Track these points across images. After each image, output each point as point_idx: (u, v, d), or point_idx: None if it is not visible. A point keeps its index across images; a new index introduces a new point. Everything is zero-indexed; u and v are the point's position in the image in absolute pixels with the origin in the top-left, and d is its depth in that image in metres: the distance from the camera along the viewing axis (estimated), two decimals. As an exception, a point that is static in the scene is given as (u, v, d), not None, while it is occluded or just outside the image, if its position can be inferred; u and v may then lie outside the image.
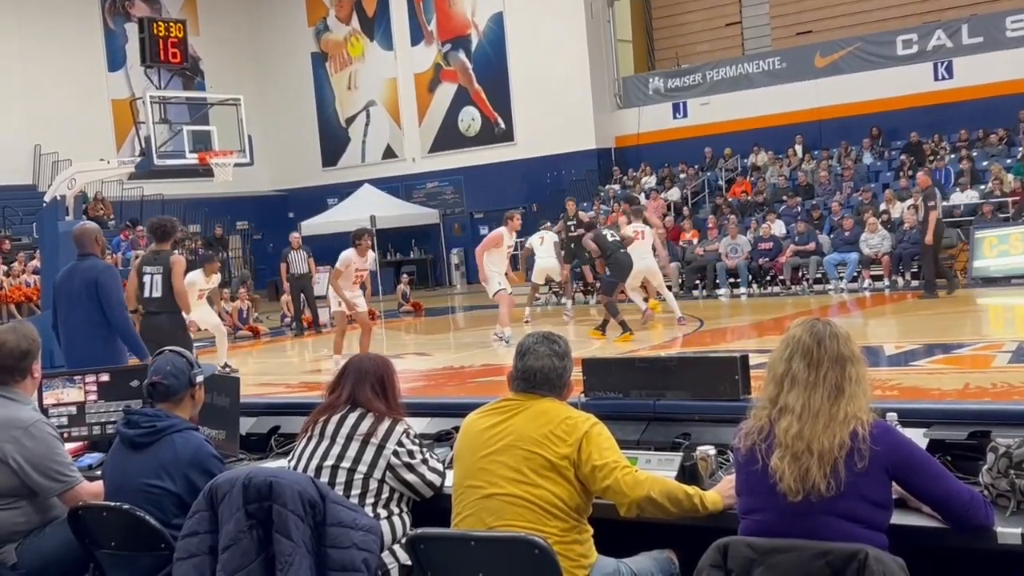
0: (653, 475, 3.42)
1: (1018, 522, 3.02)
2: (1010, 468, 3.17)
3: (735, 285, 20.30)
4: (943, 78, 23.27)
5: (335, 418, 3.86)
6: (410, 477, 3.79)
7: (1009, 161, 20.84)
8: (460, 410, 4.33)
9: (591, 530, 3.43)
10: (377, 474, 3.75)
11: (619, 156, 27.77)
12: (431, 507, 3.83)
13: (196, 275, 13.41)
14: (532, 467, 3.32)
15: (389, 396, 3.92)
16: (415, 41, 30.36)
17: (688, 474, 3.61)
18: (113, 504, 3.68)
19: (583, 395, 4.44)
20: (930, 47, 23.58)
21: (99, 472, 4.29)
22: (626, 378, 4.45)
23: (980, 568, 3.30)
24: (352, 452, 3.77)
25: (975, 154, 21.52)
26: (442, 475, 3.87)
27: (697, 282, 20.91)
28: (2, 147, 26.17)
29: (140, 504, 3.61)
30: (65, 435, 4.71)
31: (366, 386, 3.90)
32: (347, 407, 3.88)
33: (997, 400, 7.36)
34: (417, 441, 3.91)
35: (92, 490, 4.06)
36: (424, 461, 3.85)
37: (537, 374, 3.49)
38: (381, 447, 3.77)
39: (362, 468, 3.75)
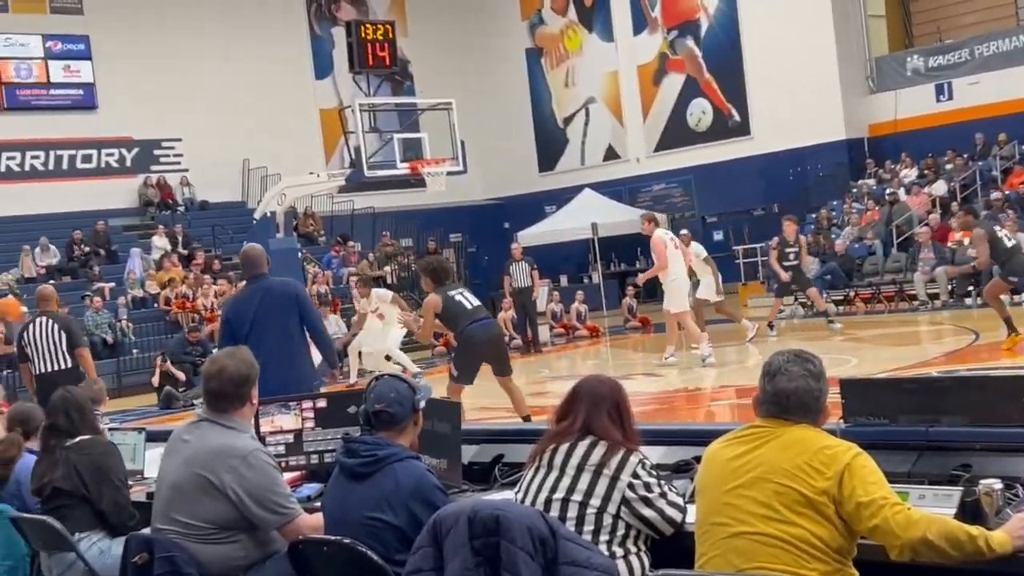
0: (929, 513, 3.27)
1: None
2: None
3: (1015, 291, 19.23)
4: None
5: (564, 447, 3.87)
6: (647, 512, 3.76)
7: None
8: (700, 438, 4.29)
9: (856, 575, 3.32)
10: (611, 508, 3.74)
11: (873, 147, 26.89)
12: (671, 546, 3.79)
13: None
14: (785, 503, 3.25)
15: (626, 423, 3.91)
16: (638, 30, 30.40)
17: (969, 512, 3.44)
18: (334, 538, 3.82)
19: (842, 421, 4.31)
20: None
21: (318, 503, 4.48)
22: (893, 401, 4.28)
23: None
24: (584, 484, 3.77)
25: None
26: (683, 510, 3.82)
27: (970, 288, 19.95)
28: (211, 162, 27.82)
29: (361, 538, 3.74)
30: (282, 464, 4.91)
31: (602, 413, 3.89)
32: (579, 435, 3.88)
33: None
34: (654, 473, 3.88)
35: (312, 523, 4.22)
36: (663, 495, 3.81)
37: (790, 397, 3.40)
38: (615, 479, 3.76)
39: (595, 502, 3.75)
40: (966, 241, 20.73)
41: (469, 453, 5.09)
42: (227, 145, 27.80)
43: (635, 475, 3.78)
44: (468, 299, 9.57)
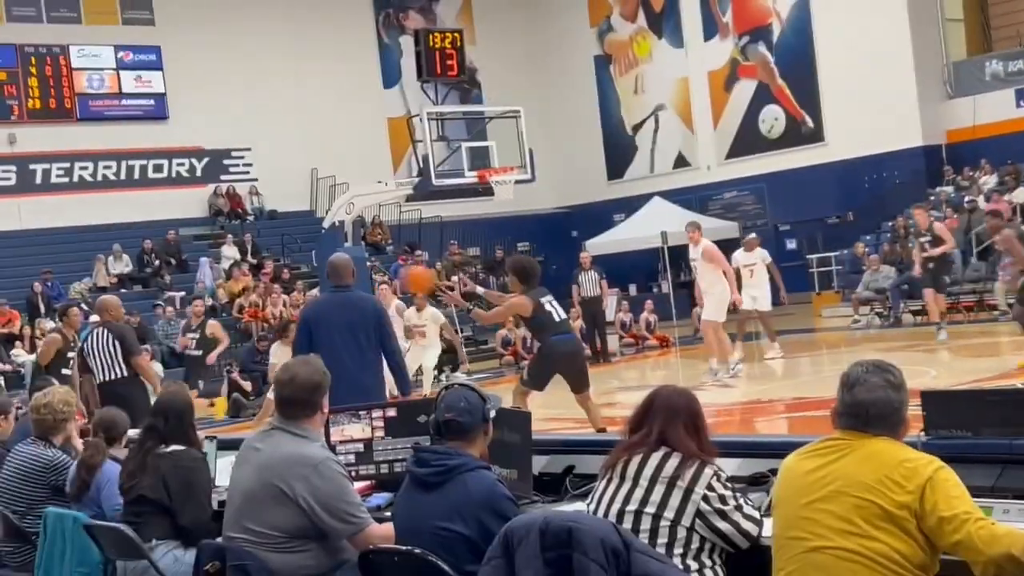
0: (1015, 529, 3.20)
1: None
2: None
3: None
4: None
5: (637, 458, 3.85)
6: (722, 525, 3.73)
7: None
8: (775, 450, 4.26)
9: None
10: (686, 521, 3.72)
11: (951, 153, 26.48)
12: (747, 560, 3.76)
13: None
14: (864, 517, 3.20)
15: (702, 435, 3.88)
16: (708, 36, 30.26)
17: (1057, 528, 3.38)
18: (404, 548, 3.84)
19: (923, 434, 4.25)
20: None
21: (388, 513, 4.51)
22: (976, 413, 4.20)
23: None
24: (657, 496, 3.75)
25: None
26: (759, 523, 3.79)
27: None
28: (279, 172, 28.16)
29: (432, 548, 3.75)
30: (353, 473, 4.96)
31: (678, 424, 3.86)
32: (654, 446, 3.86)
33: None
34: (729, 485, 3.85)
35: (383, 533, 4.24)
36: (738, 508, 3.78)
37: (869, 409, 3.36)
38: (689, 491, 3.74)
39: (668, 514, 3.73)
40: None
41: (539, 464, 5.08)
42: (296, 154, 28.11)
43: (710, 487, 3.75)
44: (556, 309, 9.59)
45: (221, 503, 4.95)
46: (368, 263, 21.65)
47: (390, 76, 31.31)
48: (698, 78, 30.51)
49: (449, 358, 17.81)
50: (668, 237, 25.35)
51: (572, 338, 10.04)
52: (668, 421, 3.88)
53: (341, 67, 29.80)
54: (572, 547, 3.24)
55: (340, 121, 29.03)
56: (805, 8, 28.01)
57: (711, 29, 30.19)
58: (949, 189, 25.20)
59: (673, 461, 3.80)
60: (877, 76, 26.00)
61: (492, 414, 4.12)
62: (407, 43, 28.32)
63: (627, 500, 3.79)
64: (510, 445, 4.84)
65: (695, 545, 3.73)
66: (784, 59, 28.61)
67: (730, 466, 4.56)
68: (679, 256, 28.26)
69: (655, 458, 3.83)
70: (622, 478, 3.85)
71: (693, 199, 29.96)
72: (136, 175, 27.66)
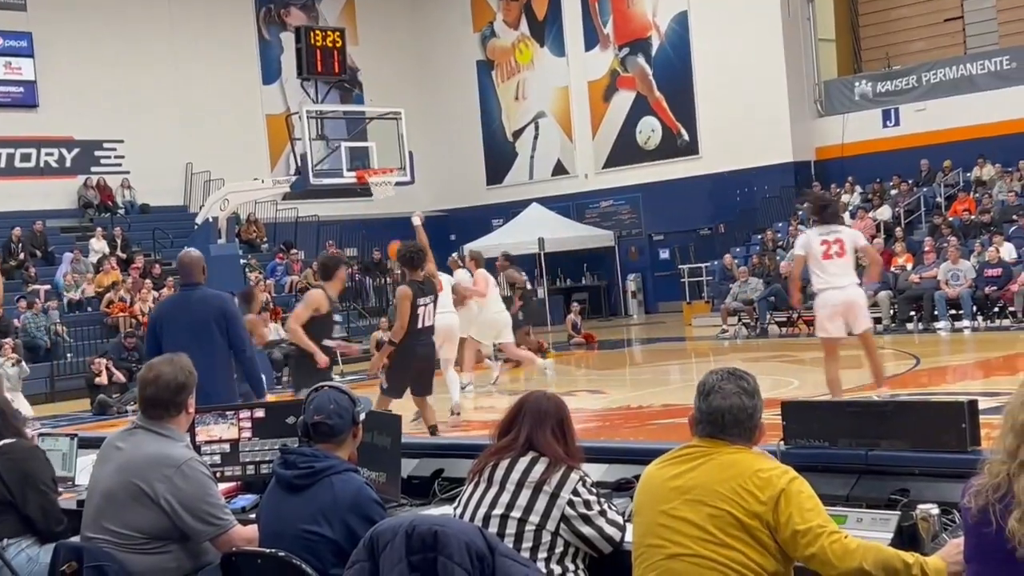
0: (866, 541, 3.28)
1: None
2: None
3: (956, 317, 19.60)
4: None
5: (505, 462, 3.87)
6: (586, 530, 3.77)
7: None
8: (641, 456, 4.31)
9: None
10: (550, 525, 3.74)
11: (820, 170, 27.22)
12: (610, 565, 3.80)
13: None
14: (719, 526, 3.26)
15: (569, 440, 3.92)
16: (589, 46, 30.57)
17: (907, 536, 3.49)
18: (268, 551, 3.80)
19: (782, 443, 4.35)
20: None
21: (253, 515, 4.44)
22: (833, 424, 4.33)
23: None
24: (524, 501, 3.77)
25: None
26: (622, 529, 3.83)
27: (912, 314, 20.27)
28: (153, 165, 27.57)
29: (296, 551, 3.71)
30: (218, 475, 4.86)
31: (546, 429, 3.89)
32: (521, 451, 3.88)
33: None
34: (594, 491, 3.89)
35: (246, 535, 4.19)
36: (602, 513, 3.82)
37: (725, 415, 3.41)
38: (555, 496, 3.76)
39: (534, 519, 3.74)
40: (909, 266, 21.10)
41: (409, 467, 5.07)
42: (170, 148, 27.58)
43: (575, 492, 3.78)
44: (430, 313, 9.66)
45: (80, 502, 4.82)
46: (242, 261, 21.35)
47: (270, 72, 30.91)
48: (578, 87, 30.81)
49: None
50: (545, 243, 25.59)
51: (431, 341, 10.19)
52: (536, 426, 3.90)
53: (220, 61, 29.33)
54: (437, 550, 3.25)
55: (217, 116, 28.56)
56: (684, 23, 28.49)
57: (592, 39, 30.50)
58: (816, 205, 25.81)
59: (540, 466, 3.82)
60: (751, 92, 26.60)
61: (362, 417, 4.10)
62: (288, 39, 28.00)
63: (494, 504, 3.80)
64: (379, 448, 4.82)
65: (559, 549, 3.75)
66: (662, 72, 29.05)
67: (596, 472, 4.61)
68: (556, 263, 28.59)
69: (522, 462, 3.84)
70: (489, 482, 3.86)
71: (570, 207, 30.24)
72: (3, 164, 26.79)
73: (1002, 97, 24.06)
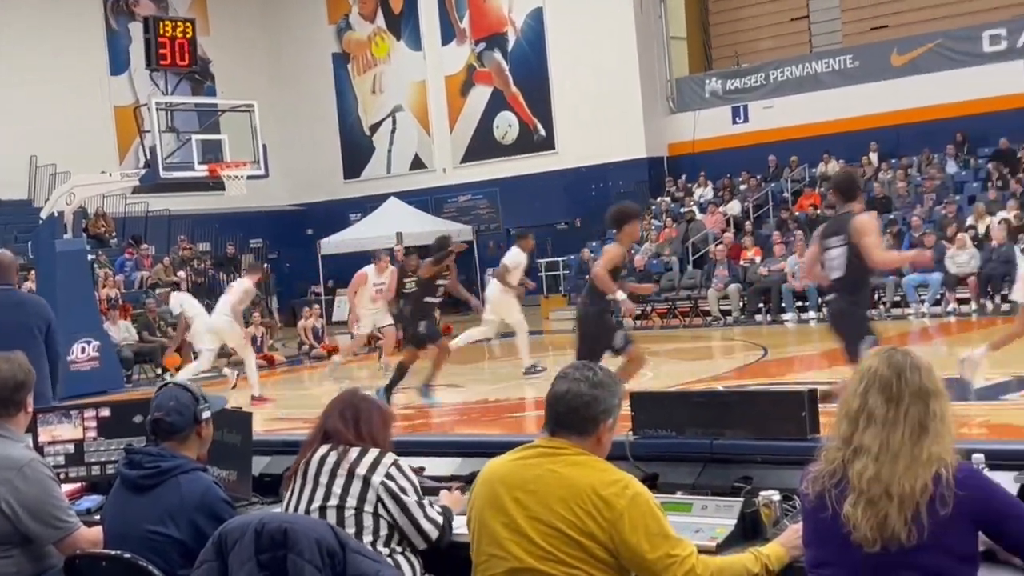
0: (715, 562, 3.26)
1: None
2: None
3: (803, 309, 20.18)
4: (1037, 77, 23.09)
5: (316, 457, 3.91)
6: (399, 516, 3.81)
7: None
8: (494, 449, 4.33)
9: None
10: (368, 508, 3.79)
11: (672, 165, 27.75)
12: (450, 555, 3.82)
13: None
14: (558, 545, 3.20)
15: (361, 424, 3.96)
16: (446, 40, 30.57)
17: (749, 522, 3.59)
18: (113, 553, 3.70)
19: (631, 433, 4.42)
20: (1021, 43, 23.41)
21: (98, 517, 4.33)
22: (681, 414, 4.42)
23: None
24: (338, 488, 3.82)
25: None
26: (440, 528, 3.87)
27: (760, 305, 20.81)
28: (-5, 159, 26.58)
29: (143, 553, 3.63)
30: (61, 476, 4.74)
31: (335, 415, 3.98)
32: (323, 442, 3.94)
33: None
34: (412, 479, 3.92)
35: (91, 537, 4.09)
36: (419, 504, 3.86)
37: (561, 401, 3.34)
38: (367, 479, 3.81)
39: (351, 502, 3.79)
40: (757, 259, 21.66)
41: (261, 465, 5.01)
42: (13, 140, 26.59)
43: (389, 476, 3.83)
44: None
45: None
46: (90, 256, 20.75)
47: (118, 63, 30.09)
48: (435, 81, 30.79)
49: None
50: (403, 238, 25.45)
51: None
52: (330, 415, 3.99)
53: (65, 51, 28.40)
54: (287, 548, 3.21)
55: (63, 107, 27.66)
56: (539, 19, 28.71)
57: (449, 33, 30.51)
58: (669, 200, 26.37)
59: (351, 453, 3.87)
60: (605, 89, 26.97)
61: (205, 415, 4.03)
62: (136, 30, 27.29)
63: (311, 499, 3.84)
64: (230, 446, 4.76)
65: (384, 532, 3.79)
66: (519, 68, 29.23)
67: (450, 465, 4.64)
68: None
69: (333, 455, 3.89)
70: (304, 479, 3.90)
71: (428, 201, 30.20)
72: None
73: (846, 95, 24.88)
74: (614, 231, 9.80)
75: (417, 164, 31.41)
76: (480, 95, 30.08)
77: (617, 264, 9.49)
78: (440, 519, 3.89)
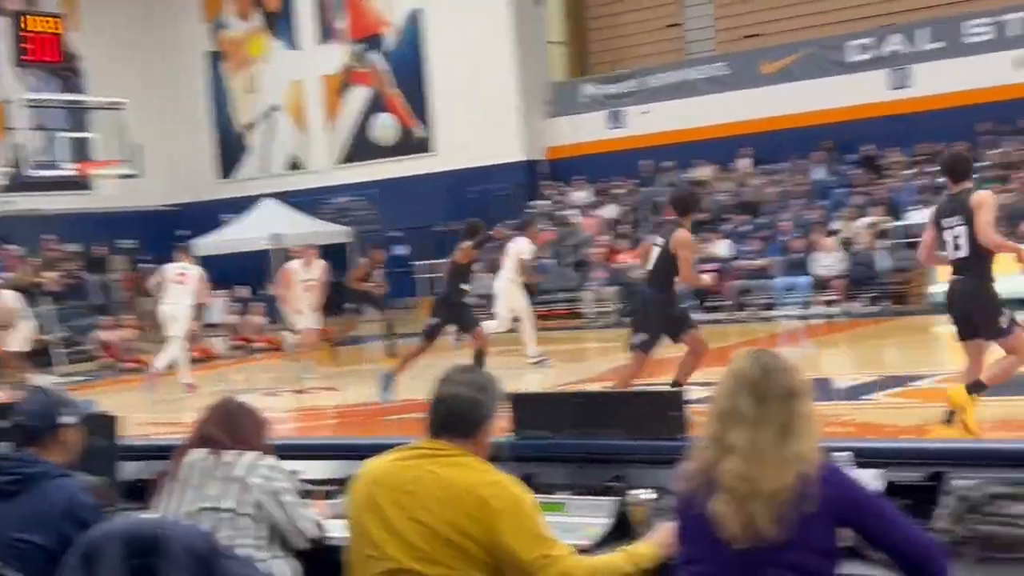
0: (589, 563, 3.31)
1: (978, 571, 3.09)
2: (969, 513, 3.24)
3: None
4: (900, 86, 23.81)
5: (190, 461, 3.90)
6: (278, 515, 3.80)
7: (976, 177, 21.34)
8: (370, 452, 4.30)
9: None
10: (245, 510, 3.77)
11: (551, 169, 27.90)
12: (328, 560, 3.78)
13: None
14: (435, 546, 3.22)
15: (236, 427, 3.96)
16: (323, 40, 30.28)
17: (621, 521, 3.63)
18: (-25, 561, 3.59)
19: (511, 434, 4.44)
20: (885, 52, 24.14)
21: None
22: (557, 415, 4.46)
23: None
24: (214, 491, 3.80)
25: (935, 169, 21.98)
26: (320, 528, 3.88)
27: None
28: None
29: (7, 560, 3.55)
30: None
31: (211, 420, 3.99)
32: (200, 446, 3.93)
33: (955, 438, 7.53)
34: (290, 481, 3.93)
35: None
36: (298, 503, 3.87)
37: (443, 406, 3.39)
38: (245, 480, 3.81)
39: (228, 504, 3.77)
40: (632, 262, 21.92)
41: (133, 470, 4.91)
42: None
43: (267, 477, 3.84)
44: None
45: None
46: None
47: (-18, 57, 29.10)
48: (312, 81, 30.46)
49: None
50: (280, 239, 25.12)
51: None
52: (207, 420, 4.00)
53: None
54: (157, 554, 3.15)
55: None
56: (417, 21, 28.62)
57: (326, 33, 30.22)
58: (547, 203, 26.54)
59: (227, 456, 3.86)
60: (484, 92, 27.01)
61: (67, 419, 3.93)
62: (2, 24, 26.42)
63: (185, 503, 3.82)
64: (97, 451, 4.65)
65: (263, 534, 3.78)
66: (397, 69, 29.09)
67: (326, 468, 4.60)
68: (291, 259, 28.06)
69: (209, 458, 3.88)
70: (177, 483, 3.88)
71: (306, 202, 29.79)
72: None
73: (719, 101, 25.32)
74: (679, 216, 9.43)
75: (294, 164, 31.04)
76: (358, 96, 29.86)
77: (695, 250, 9.50)
78: (318, 518, 3.91)
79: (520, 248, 15.48)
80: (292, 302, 15.71)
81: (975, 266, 7.60)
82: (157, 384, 15.07)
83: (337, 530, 3.78)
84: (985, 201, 7.61)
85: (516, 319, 15.68)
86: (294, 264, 15.76)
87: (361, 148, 29.78)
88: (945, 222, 7.64)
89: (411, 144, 29.05)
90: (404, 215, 28.55)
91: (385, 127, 29.46)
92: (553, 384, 12.55)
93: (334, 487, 4.36)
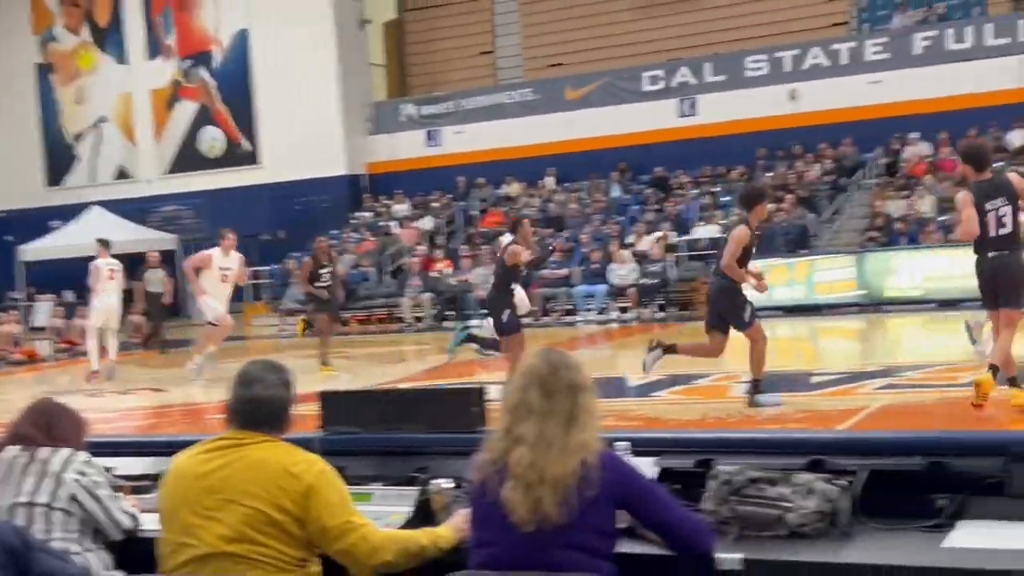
0: (388, 533, 3.35)
1: (740, 547, 3.22)
2: (731, 495, 3.38)
3: (486, 316, 20.60)
4: (687, 114, 24.59)
5: (5, 458, 3.77)
6: (93, 508, 3.71)
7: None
8: (182, 448, 4.22)
9: (319, 567, 3.35)
10: (60, 504, 3.67)
11: (371, 182, 27.77)
12: (139, 552, 3.69)
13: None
14: (250, 523, 3.19)
15: (53, 429, 3.84)
16: (152, 55, 29.39)
17: (423, 508, 3.64)
18: None
19: (321, 430, 4.41)
20: (675, 83, 24.89)
21: None
22: (364, 412, 4.45)
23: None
24: (28, 486, 3.68)
25: (718, 189, 22.84)
26: (134, 518, 3.80)
27: (450, 312, 21.15)
28: None
29: None
30: None
31: (27, 420, 3.87)
32: (14, 444, 3.81)
33: (722, 428, 7.84)
34: (103, 475, 3.84)
35: None
36: (113, 497, 3.78)
37: (264, 406, 3.34)
38: (60, 476, 3.70)
39: (42, 499, 3.66)
40: (448, 271, 22.03)
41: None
42: None
43: (81, 472, 3.73)
44: None
45: None
46: None
47: None
48: (141, 95, 29.52)
49: None
50: (108, 246, 24.28)
51: None
52: (23, 419, 3.88)
53: None
54: (-32, 550, 3.01)
55: None
56: (244, 40, 28.08)
57: (155, 49, 29.34)
58: (368, 214, 26.40)
59: (41, 453, 3.75)
60: (309, 109, 26.72)
61: None
62: None
63: (2, 499, 3.68)
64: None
65: (76, 528, 3.67)
66: (224, 85, 28.48)
67: (141, 465, 4.48)
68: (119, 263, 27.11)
69: (23, 455, 3.76)
70: None
71: (134, 210, 28.84)
72: None
73: (527, 124, 25.66)
74: (745, 211, 9.28)
75: (123, 174, 30.01)
76: (186, 109, 29.08)
77: (746, 245, 9.04)
78: (133, 510, 3.82)
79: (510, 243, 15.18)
80: (204, 288, 14.47)
81: (1017, 242, 7.88)
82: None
83: (150, 523, 3.68)
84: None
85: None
86: (214, 251, 14.73)
87: (188, 160, 29.01)
88: (990, 203, 7.79)
89: (237, 156, 28.47)
90: (230, 224, 27.66)
91: (212, 140, 28.78)
92: (371, 384, 12.45)
93: (147, 482, 4.26)
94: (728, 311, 9.08)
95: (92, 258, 17.10)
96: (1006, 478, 3.42)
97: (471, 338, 12.01)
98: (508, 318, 10.65)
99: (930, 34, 22.94)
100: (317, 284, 14.65)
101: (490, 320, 10.97)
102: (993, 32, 22.36)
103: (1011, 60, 21.74)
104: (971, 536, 3.22)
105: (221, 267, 14.51)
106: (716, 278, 9.26)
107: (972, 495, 3.40)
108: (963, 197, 8.02)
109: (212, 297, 14.44)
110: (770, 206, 19.67)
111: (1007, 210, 7.76)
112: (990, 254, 7.87)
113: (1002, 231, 7.78)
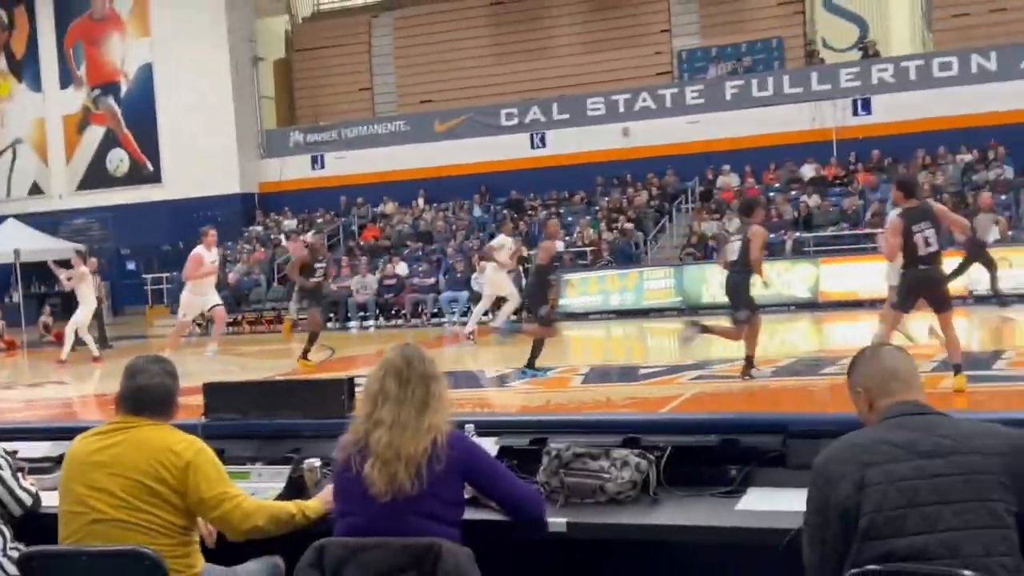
0: (260, 502, 3.31)
1: (564, 513, 3.27)
2: (560, 468, 3.42)
3: (364, 318, 20.51)
4: (538, 146, 24.87)
5: None
6: None
7: (588, 218, 22.57)
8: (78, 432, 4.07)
9: (198, 540, 3.31)
10: None
11: (263, 201, 27.27)
12: (38, 526, 3.55)
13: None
14: (135, 493, 3.13)
15: None
16: (64, 84, 28.27)
17: (295, 485, 3.59)
18: None
19: (204, 417, 4.30)
20: (528, 120, 25.14)
21: None
22: (244, 400, 4.37)
23: (536, 552, 3.52)
24: None
25: (563, 211, 23.13)
26: (34, 496, 3.65)
27: (331, 315, 20.87)
28: None
29: None
30: None
31: None
32: None
33: (555, 412, 7.94)
34: (6, 457, 3.67)
35: None
36: (15, 476, 3.63)
37: (149, 394, 3.27)
38: None
39: None
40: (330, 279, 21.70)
41: None
42: None
43: None
44: None
45: None
46: None
47: None
48: (54, 120, 28.38)
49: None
50: (21, 254, 23.22)
51: None
52: None
53: None
54: None
55: None
56: (149, 73, 27.31)
57: (67, 79, 28.24)
58: (259, 228, 25.90)
59: None
60: (207, 135, 26.11)
61: None
62: None
63: None
64: None
65: None
66: (130, 112, 27.61)
67: (42, 448, 4.31)
68: (31, 272, 25.97)
69: None
70: None
71: (46, 223, 27.65)
72: None
73: (401, 151, 25.55)
74: (747, 218, 9.47)
75: (36, 190, 28.75)
76: (95, 133, 28.04)
77: (765, 240, 9.35)
78: (32, 488, 3.66)
79: (501, 242, 15.05)
80: (201, 285, 13.61)
81: (940, 259, 8.19)
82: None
83: (51, 500, 3.53)
84: (944, 209, 8.57)
85: (502, 299, 15.50)
86: (200, 249, 13.62)
87: (97, 178, 28.01)
88: (917, 227, 7.98)
89: (142, 176, 27.61)
90: (135, 235, 27.14)
91: (119, 161, 27.84)
92: (266, 375, 12.18)
93: (49, 463, 4.09)
94: (738, 300, 9.38)
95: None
96: (785, 452, 3.56)
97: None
98: (546, 313, 10.69)
99: (738, 83, 23.69)
100: (311, 279, 13.55)
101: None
102: (790, 82, 23.24)
103: (805, 106, 22.65)
104: (758, 500, 3.34)
105: (209, 261, 13.79)
106: (737, 274, 9.43)
107: (758, 467, 3.52)
108: (894, 224, 8.36)
109: (197, 295, 13.71)
110: (604, 230, 20.18)
111: (931, 232, 8.05)
112: (920, 267, 8.07)
113: (929, 250, 8.04)
